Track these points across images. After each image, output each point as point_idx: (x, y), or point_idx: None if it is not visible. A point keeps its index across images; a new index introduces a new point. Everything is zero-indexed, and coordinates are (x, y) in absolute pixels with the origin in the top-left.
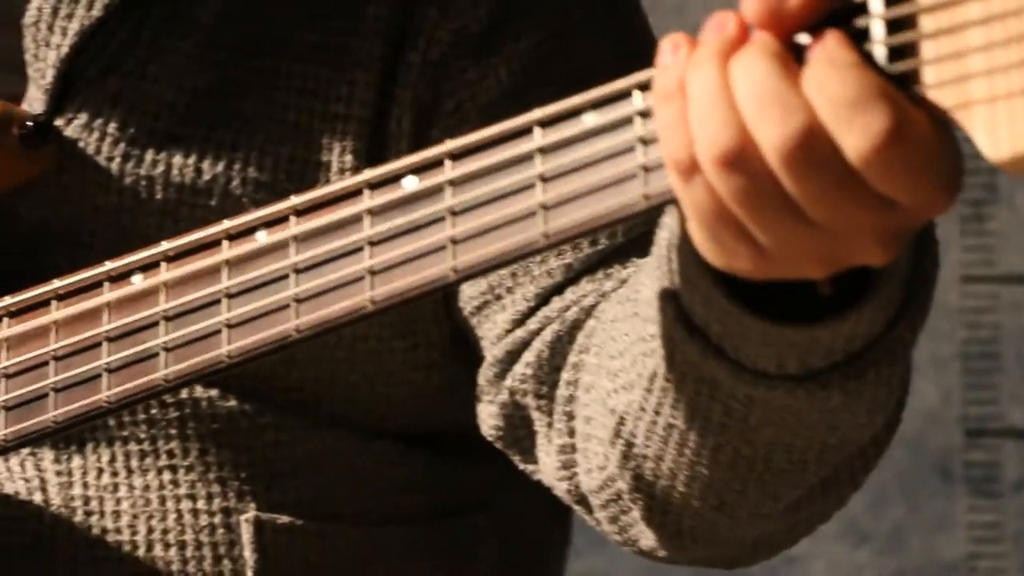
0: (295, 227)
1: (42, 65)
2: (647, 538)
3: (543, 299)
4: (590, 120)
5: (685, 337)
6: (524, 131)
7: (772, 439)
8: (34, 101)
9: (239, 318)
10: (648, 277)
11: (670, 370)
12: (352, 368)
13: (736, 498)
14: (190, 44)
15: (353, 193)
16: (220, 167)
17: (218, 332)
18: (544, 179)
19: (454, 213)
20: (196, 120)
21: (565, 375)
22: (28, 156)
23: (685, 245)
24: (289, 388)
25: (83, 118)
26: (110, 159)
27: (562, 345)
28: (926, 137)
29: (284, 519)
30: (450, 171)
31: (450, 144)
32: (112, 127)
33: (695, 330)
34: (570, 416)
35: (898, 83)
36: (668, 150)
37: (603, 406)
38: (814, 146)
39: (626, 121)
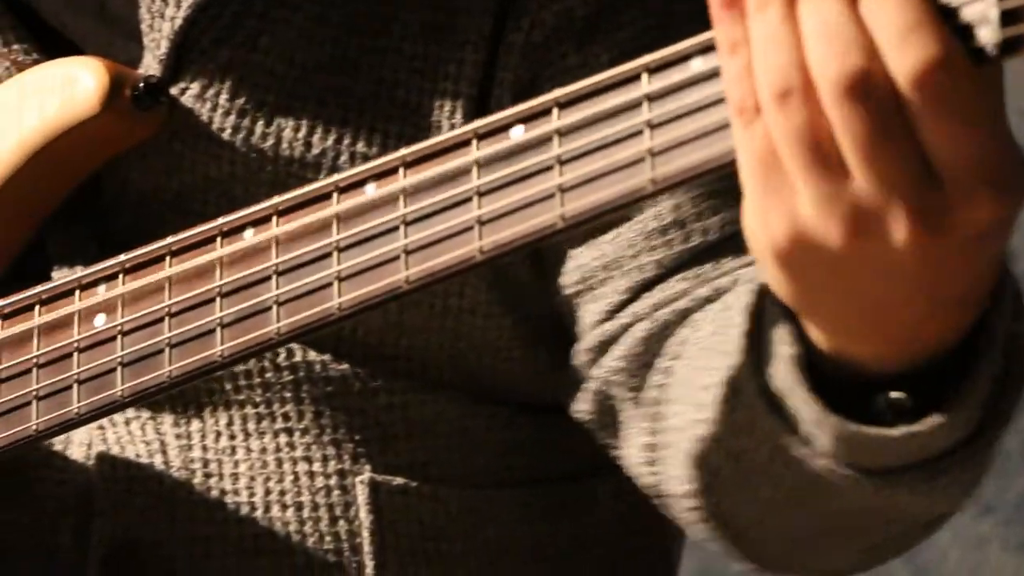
0: (404, 179)
1: (157, 35)
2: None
3: (634, 293)
4: (698, 65)
5: (765, 411)
6: (632, 78)
7: (840, 510)
8: (149, 70)
9: (350, 270)
10: (733, 336)
11: (748, 434)
12: (459, 339)
13: (809, 547)
14: (301, 18)
15: (461, 144)
16: (330, 142)
17: (329, 285)
18: (652, 125)
19: (562, 162)
20: (306, 94)
21: (655, 378)
22: (140, 117)
23: (773, 322)
24: (398, 356)
25: (196, 88)
26: (221, 130)
27: (653, 345)
28: (978, 86)
29: (398, 481)
30: (557, 120)
31: (558, 93)
32: (223, 98)
33: (775, 406)
34: (656, 418)
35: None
36: (734, 98)
37: (691, 430)
38: (868, 83)
39: None
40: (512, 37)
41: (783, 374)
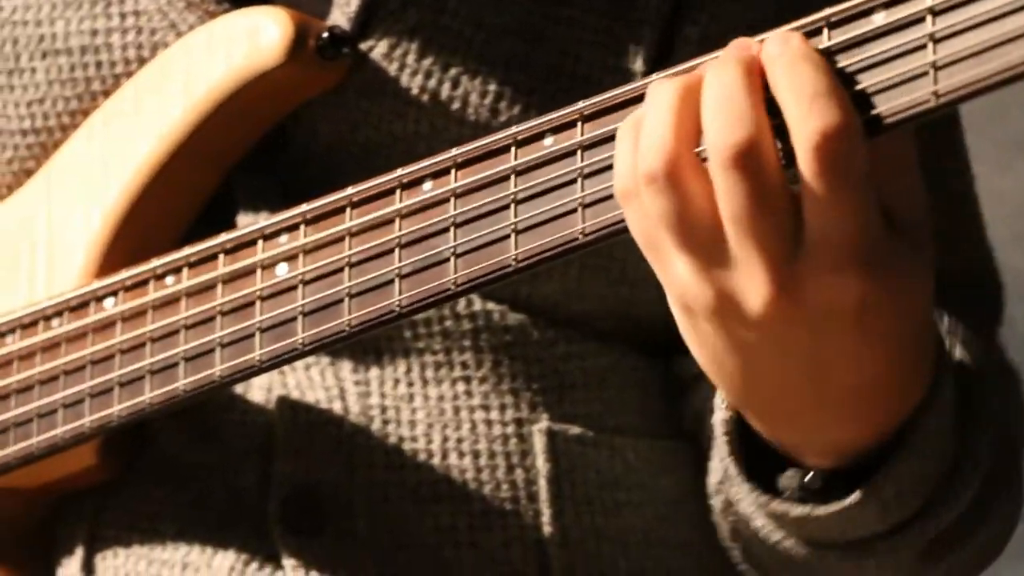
0: (582, 133)
1: None
2: None
3: None
4: (879, 19)
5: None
6: (814, 32)
7: (804, 568)
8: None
9: (527, 223)
10: None
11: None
12: (633, 305)
13: None
14: None
15: (641, 97)
16: (516, 111)
17: (507, 237)
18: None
19: None
20: (493, 59)
21: None
22: (323, 67)
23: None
24: (572, 321)
25: (383, 47)
26: (408, 89)
27: None
28: (864, 151)
29: (575, 430)
30: None
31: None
32: (411, 59)
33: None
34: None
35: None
36: (616, 176)
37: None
38: (759, 155)
39: (917, 20)
40: (689, 30)
41: (720, 445)
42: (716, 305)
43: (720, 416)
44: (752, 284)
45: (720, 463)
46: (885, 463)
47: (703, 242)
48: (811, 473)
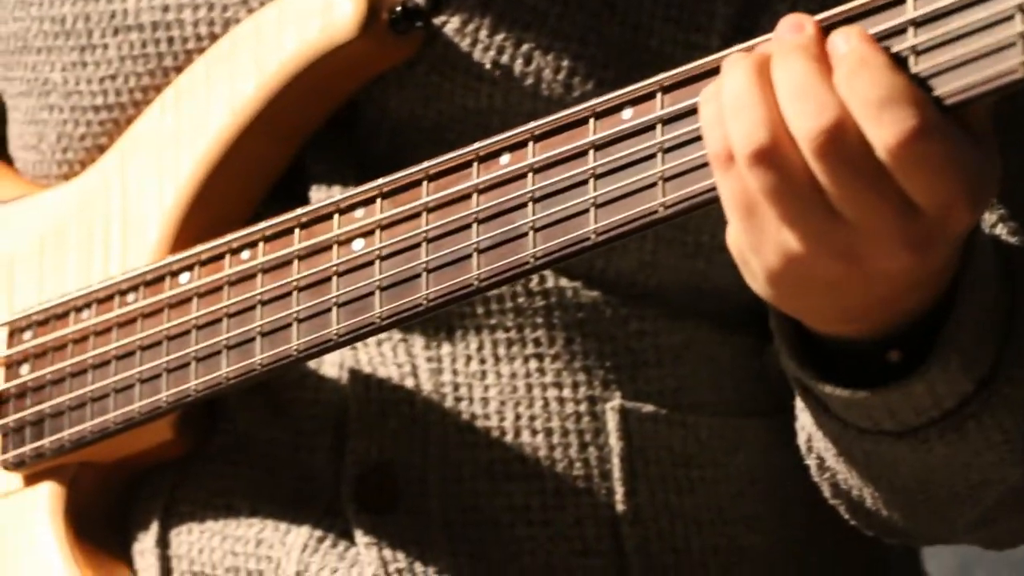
0: (661, 105)
1: None
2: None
3: None
4: None
5: (801, 394)
6: (897, 2)
7: (913, 476)
8: (409, 1)
9: (606, 197)
10: None
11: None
12: (708, 279)
13: (912, 516)
14: None
15: (718, 70)
16: (590, 86)
17: (586, 211)
18: (917, 52)
19: None
20: (567, 33)
21: None
22: (396, 41)
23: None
24: (648, 294)
25: (456, 22)
26: (480, 64)
27: None
28: (950, 140)
29: (648, 408)
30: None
31: (821, 16)
32: (483, 34)
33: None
34: None
35: (925, 87)
36: (709, 144)
37: (797, 420)
38: (844, 140)
39: None
40: (778, 6)
41: (792, 368)
42: (839, 261)
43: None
44: (877, 242)
45: (805, 413)
46: (946, 321)
47: (814, 212)
48: (891, 353)
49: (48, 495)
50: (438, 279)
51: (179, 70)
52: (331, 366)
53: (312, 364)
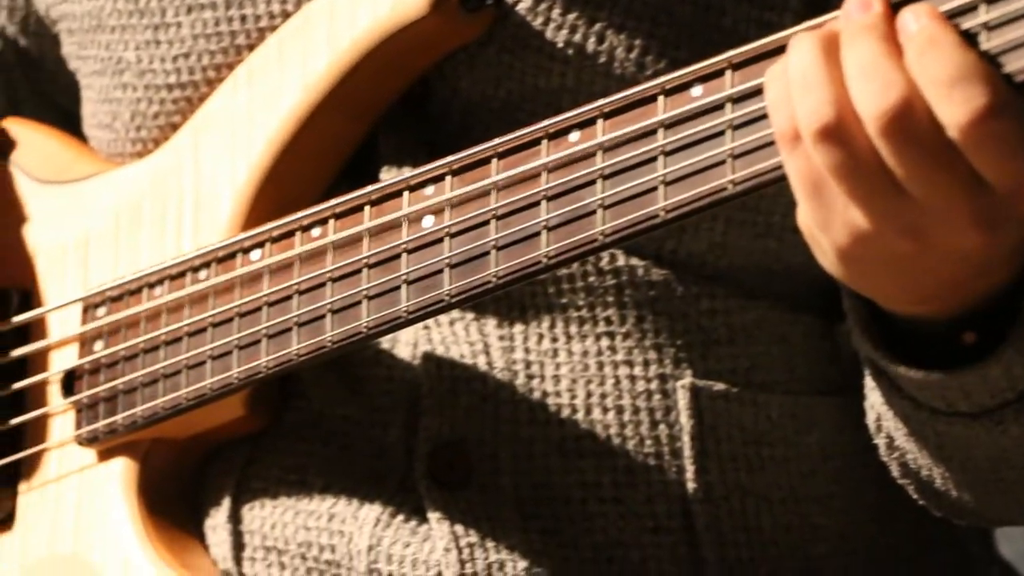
0: (731, 83)
1: None
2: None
3: None
4: None
5: (872, 374)
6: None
7: (985, 457)
8: None
9: (675, 174)
10: None
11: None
12: (779, 259)
13: (983, 497)
14: None
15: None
16: (662, 64)
17: (654, 189)
18: (988, 28)
19: None
20: (638, 14)
21: None
22: (466, 19)
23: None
24: (718, 276)
25: (528, 2)
26: (552, 44)
27: None
28: (1022, 117)
29: (719, 386)
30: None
31: None
32: (556, 12)
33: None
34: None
35: (996, 64)
36: (775, 123)
37: (866, 399)
38: (912, 119)
39: None
40: None
41: (865, 348)
42: (908, 239)
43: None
44: (947, 220)
45: (875, 392)
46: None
47: (880, 190)
48: (965, 334)
49: (121, 471)
50: (507, 256)
51: (251, 48)
52: (404, 345)
53: (386, 342)
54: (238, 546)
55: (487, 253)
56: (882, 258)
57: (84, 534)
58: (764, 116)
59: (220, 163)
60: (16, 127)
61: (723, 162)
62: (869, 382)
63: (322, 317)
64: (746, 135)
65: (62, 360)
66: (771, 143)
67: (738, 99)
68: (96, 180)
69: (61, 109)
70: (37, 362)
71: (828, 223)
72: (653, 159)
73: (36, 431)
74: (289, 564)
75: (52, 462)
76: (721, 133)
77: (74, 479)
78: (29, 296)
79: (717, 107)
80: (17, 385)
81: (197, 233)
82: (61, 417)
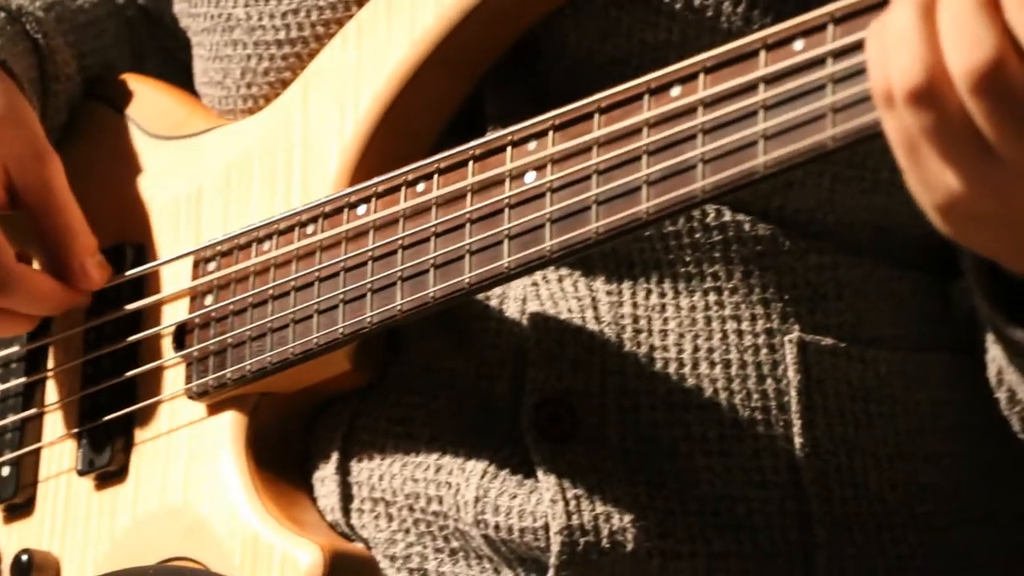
0: (833, 37)
1: None
2: None
3: None
4: None
5: (993, 330)
6: None
7: None
8: None
9: (775, 129)
10: None
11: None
12: (887, 215)
13: None
14: None
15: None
16: (769, 19)
17: (754, 143)
18: None
19: None
20: None
21: None
22: None
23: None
24: (823, 232)
25: None
26: None
27: None
28: None
29: (827, 341)
30: None
31: None
32: None
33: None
34: None
35: None
36: (874, 80)
37: (987, 352)
38: (1003, 76)
39: None
40: None
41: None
42: (1002, 200)
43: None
44: None
45: (997, 346)
46: None
47: (971, 152)
48: None
49: (230, 424)
50: (608, 211)
51: (360, 3)
52: (513, 300)
53: (494, 298)
54: (346, 497)
55: (588, 208)
56: (981, 218)
57: (194, 487)
58: (865, 71)
59: (328, 119)
60: (133, 83)
61: (823, 116)
62: (990, 336)
63: (425, 272)
64: (847, 89)
65: (174, 314)
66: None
67: (839, 53)
68: (208, 135)
69: (184, 65)
70: (150, 316)
71: (925, 183)
72: (754, 114)
73: (149, 385)
74: (396, 515)
75: (164, 415)
76: (822, 87)
77: (185, 432)
78: (143, 250)
79: (818, 61)
80: (131, 339)
81: (305, 188)
82: (172, 371)
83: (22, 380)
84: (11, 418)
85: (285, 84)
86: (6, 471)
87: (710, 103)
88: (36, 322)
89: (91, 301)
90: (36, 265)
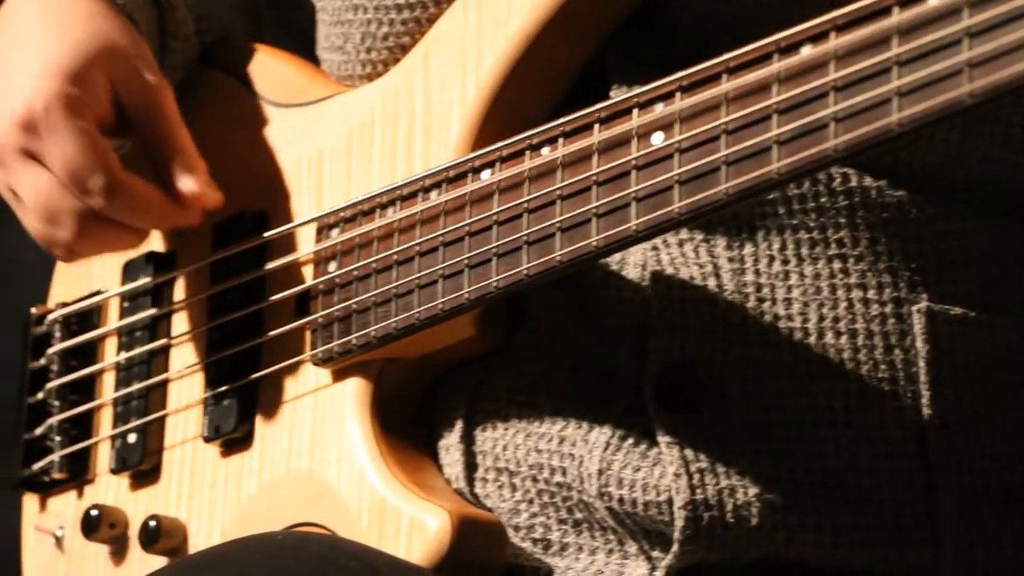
0: None
1: None
2: None
3: None
4: None
5: None
6: None
7: None
8: None
9: (910, 85)
10: None
11: None
12: (1019, 171)
13: None
14: None
15: None
16: None
17: (888, 101)
18: None
19: None
20: None
21: None
22: None
23: None
24: (954, 188)
25: None
26: None
27: None
28: None
29: (956, 310)
30: None
31: None
32: None
33: None
34: None
35: None
36: None
37: None
38: None
39: None
40: None
41: None
42: None
43: None
44: None
45: None
46: None
47: None
48: None
49: (355, 390)
50: (737, 172)
51: None
52: (633, 266)
53: (614, 264)
54: (470, 467)
55: (717, 169)
56: None
57: (319, 452)
58: (1003, 23)
59: (450, 84)
60: (254, 51)
61: (960, 72)
62: None
63: (551, 236)
64: (985, 42)
65: (297, 281)
66: (1013, 50)
67: (976, 3)
68: (329, 102)
69: (304, 36)
70: (273, 283)
71: None
72: (887, 70)
73: (273, 352)
74: (520, 486)
75: (288, 382)
76: (957, 41)
77: (309, 399)
78: (265, 217)
79: (953, 12)
80: (254, 306)
81: (427, 153)
82: (296, 337)
83: (147, 348)
84: (136, 385)
85: (404, 49)
86: (133, 438)
87: (841, 58)
88: (143, 238)
89: (200, 220)
90: None
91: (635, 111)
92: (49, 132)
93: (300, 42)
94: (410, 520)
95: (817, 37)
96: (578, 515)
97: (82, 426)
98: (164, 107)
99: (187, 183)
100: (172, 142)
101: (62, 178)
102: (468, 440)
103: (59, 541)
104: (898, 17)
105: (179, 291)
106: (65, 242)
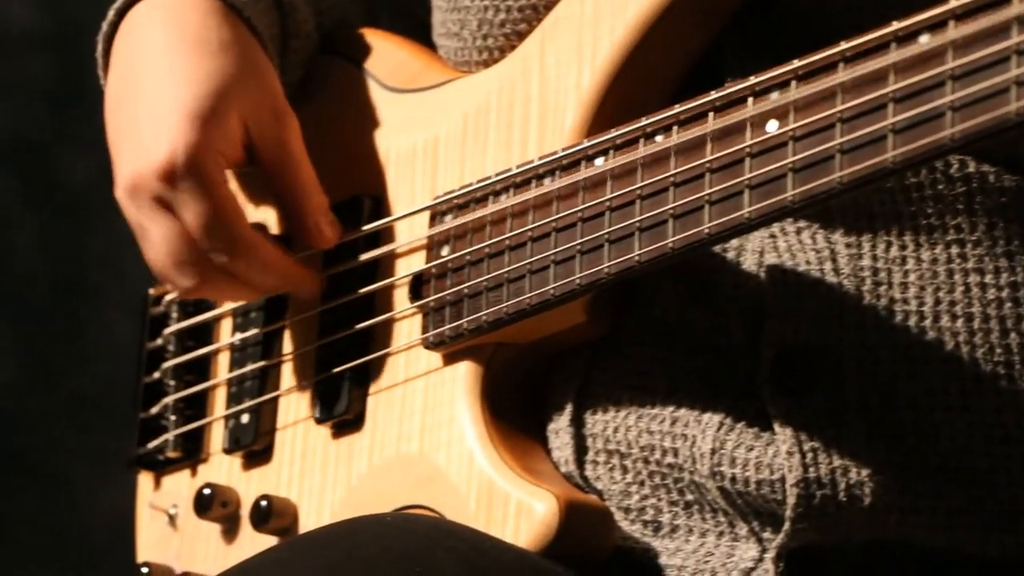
0: None
1: None
2: None
3: None
4: None
5: None
6: None
7: None
8: None
9: None
10: None
11: None
12: None
13: None
14: None
15: None
16: None
17: (1007, 90)
18: None
19: None
20: None
21: None
22: None
23: None
24: None
25: None
26: None
27: None
28: None
29: None
30: None
31: None
32: None
33: None
34: None
35: None
36: None
37: None
38: None
39: None
40: None
41: None
42: None
43: None
44: None
45: None
46: None
47: None
48: None
49: (466, 374)
50: (852, 161)
51: None
52: (750, 252)
53: (731, 250)
54: (580, 449)
55: (832, 157)
56: None
57: (429, 435)
58: None
59: (566, 70)
60: (371, 37)
61: None
62: None
63: (664, 222)
64: None
65: (409, 265)
66: None
67: None
68: (445, 88)
69: (417, 20)
70: (385, 266)
71: None
72: (1006, 59)
73: (384, 335)
74: (631, 467)
75: (399, 365)
76: None
77: (420, 382)
78: (380, 201)
79: None
80: (366, 288)
81: (542, 140)
82: (408, 321)
83: (261, 329)
84: (251, 367)
85: (521, 36)
86: (245, 418)
87: (960, 46)
88: (260, 294)
89: (319, 284)
90: (273, 223)
91: (750, 99)
92: (186, 186)
93: (415, 28)
94: (518, 504)
95: (935, 26)
96: (689, 496)
97: (197, 406)
98: (291, 146)
99: (313, 225)
100: (298, 182)
101: (193, 233)
102: (578, 423)
103: (172, 519)
104: (1019, 7)
105: None
106: (185, 287)
